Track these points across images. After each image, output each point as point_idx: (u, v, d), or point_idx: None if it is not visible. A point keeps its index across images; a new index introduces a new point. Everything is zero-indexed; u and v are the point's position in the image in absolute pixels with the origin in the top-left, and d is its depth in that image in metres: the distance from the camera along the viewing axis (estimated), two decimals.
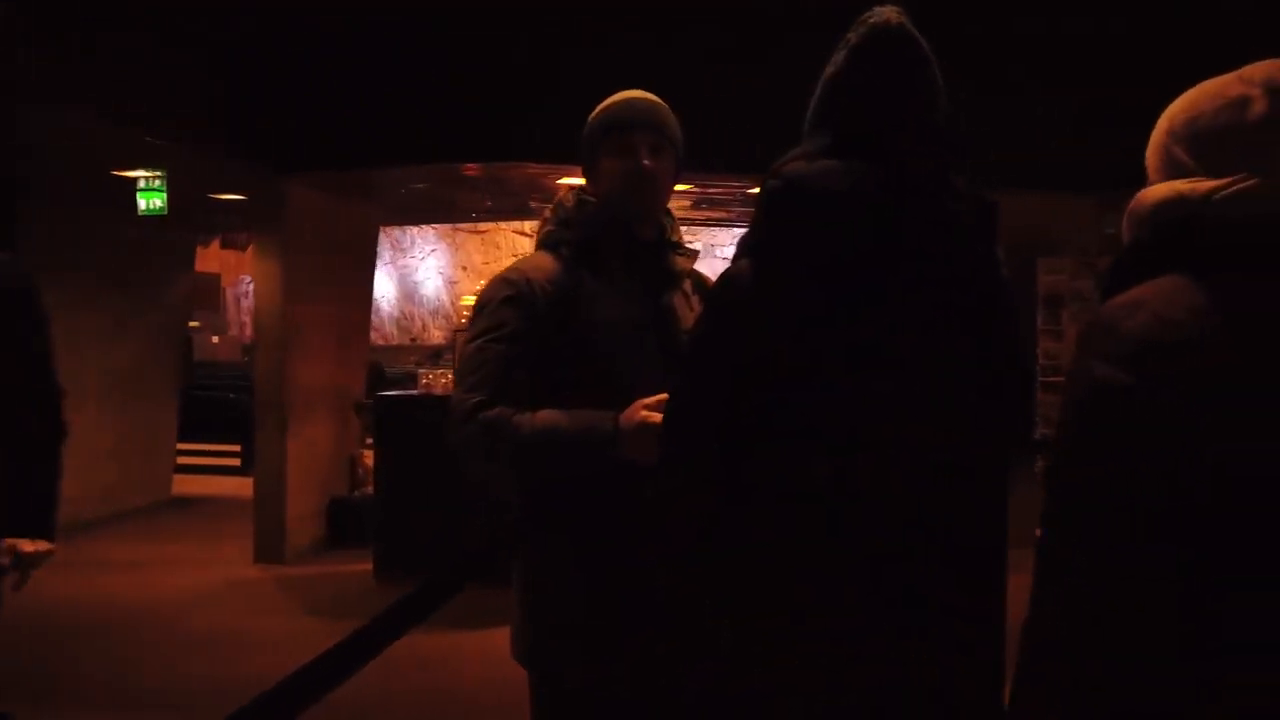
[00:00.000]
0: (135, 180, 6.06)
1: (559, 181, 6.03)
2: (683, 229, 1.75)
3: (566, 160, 5.30)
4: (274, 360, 5.65)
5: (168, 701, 3.75)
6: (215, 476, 8.76)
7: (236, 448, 9.25)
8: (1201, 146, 0.94)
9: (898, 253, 1.20)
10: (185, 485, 7.96)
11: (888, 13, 1.24)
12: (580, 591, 1.55)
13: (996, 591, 1.25)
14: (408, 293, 18.54)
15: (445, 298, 18.77)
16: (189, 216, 6.94)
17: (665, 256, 1.65)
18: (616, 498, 1.50)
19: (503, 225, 17.68)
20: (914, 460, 1.20)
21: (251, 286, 18.67)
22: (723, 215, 8.56)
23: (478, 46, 5.01)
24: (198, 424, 8.71)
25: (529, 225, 17.59)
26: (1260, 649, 0.81)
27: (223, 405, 9.23)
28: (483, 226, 17.71)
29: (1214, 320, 0.85)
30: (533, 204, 7.36)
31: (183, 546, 6.24)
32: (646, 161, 1.60)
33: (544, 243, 1.68)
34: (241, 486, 8.41)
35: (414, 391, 5.44)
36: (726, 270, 1.28)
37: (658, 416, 1.40)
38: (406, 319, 18.64)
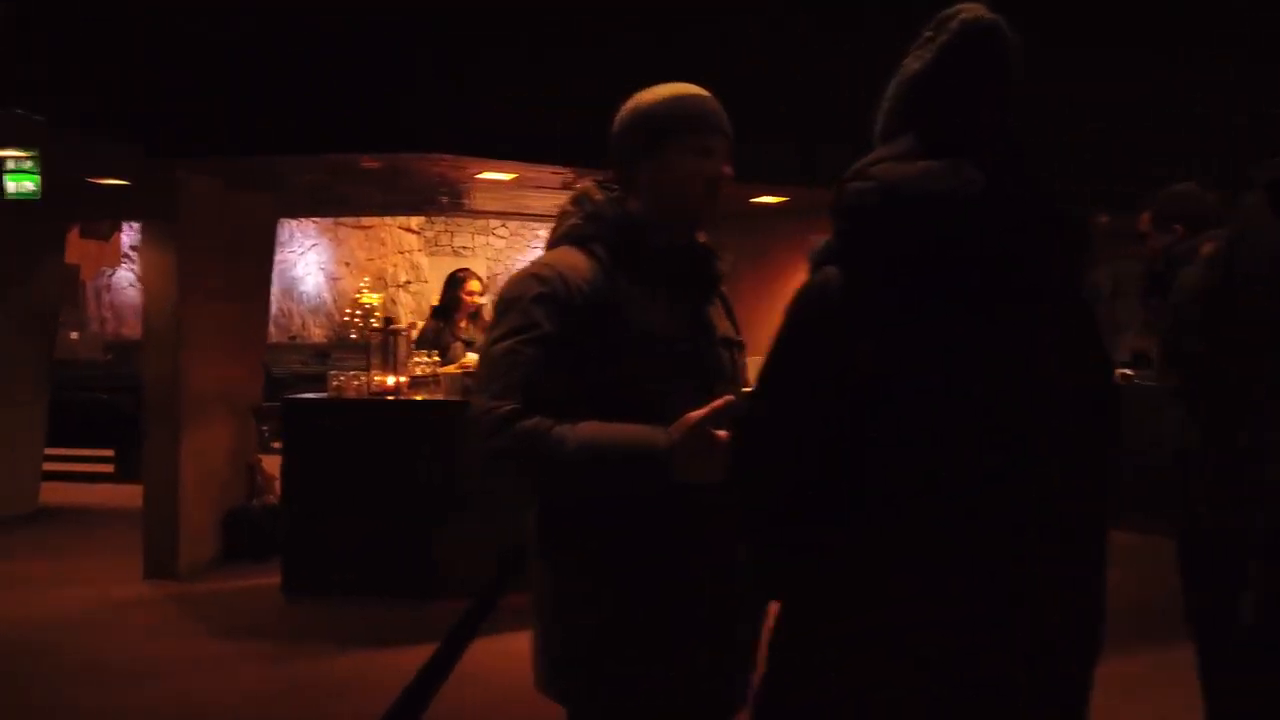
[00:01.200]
0: (3, 161, 5.52)
1: (479, 176, 5.84)
2: None
3: (479, 154, 5.16)
4: (166, 361, 5.24)
5: None
6: (86, 484, 8.11)
7: (109, 453, 8.60)
8: None
9: (1001, 256, 1.16)
10: (54, 494, 7.32)
11: (977, 9, 1.20)
12: (633, 612, 1.43)
13: (1097, 581, 1.24)
14: (286, 289, 17.77)
15: (327, 295, 18.07)
16: (62, 202, 6.37)
17: (707, 262, 1.55)
18: (661, 510, 1.40)
19: (388, 220, 17.16)
20: (1019, 465, 1.15)
21: (113, 279, 17.52)
22: None
23: (389, 34, 4.78)
24: (65, 428, 8.04)
25: (415, 221, 17.15)
26: None
27: (93, 407, 8.55)
28: (366, 221, 17.14)
29: None
30: (444, 199, 7.12)
31: (59, 563, 5.71)
32: (728, 169, 1.50)
33: (570, 238, 1.52)
34: (117, 495, 7.83)
35: (324, 394, 5.14)
36: (810, 279, 1.20)
37: (722, 433, 1.31)
38: (285, 316, 17.85)
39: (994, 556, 1.15)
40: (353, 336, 15.60)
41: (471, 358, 5.20)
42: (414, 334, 5.45)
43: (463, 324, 5.46)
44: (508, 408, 1.37)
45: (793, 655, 1.25)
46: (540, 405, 1.38)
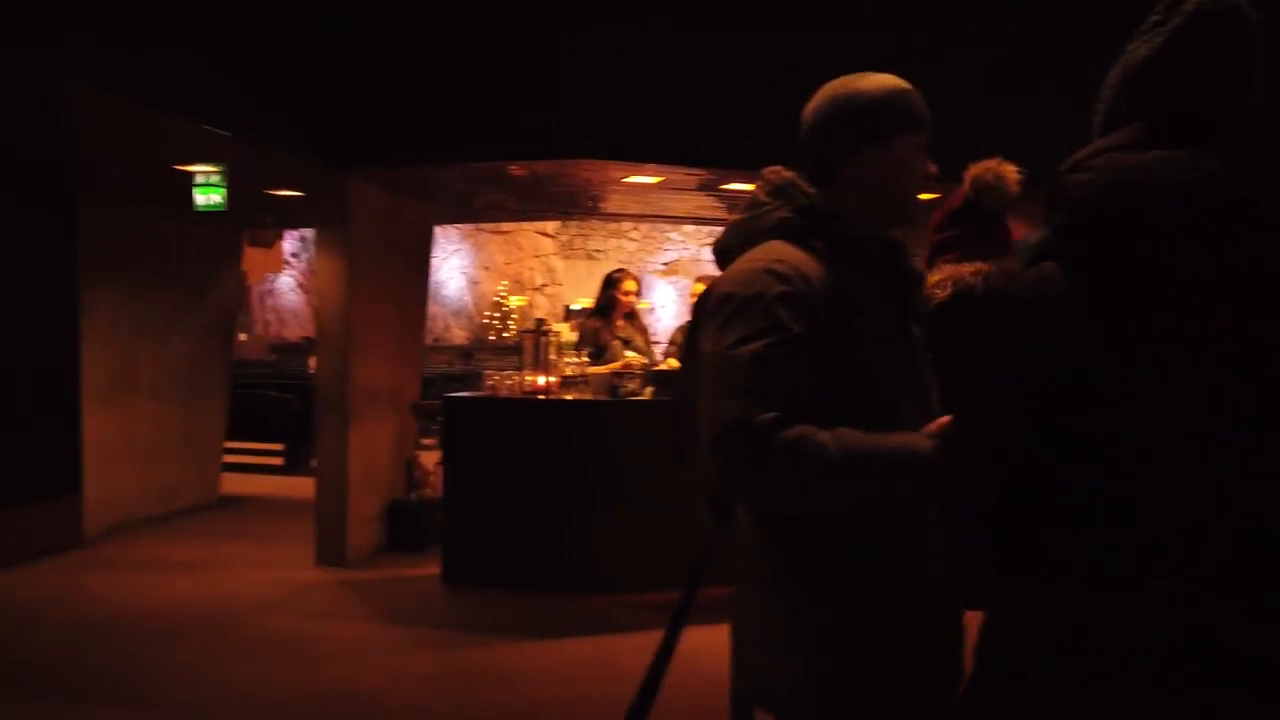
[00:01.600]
0: (193, 176, 5.99)
1: (626, 180, 5.94)
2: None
3: (626, 159, 5.25)
4: (337, 361, 5.56)
5: (238, 706, 3.66)
6: (258, 475, 8.70)
7: (279, 447, 9.20)
8: None
9: (1242, 254, 1.10)
10: (231, 484, 7.89)
11: None
12: (874, 643, 1.38)
13: None
14: (430, 292, 18.49)
15: (468, 298, 18.70)
16: (240, 213, 6.87)
17: (903, 258, 1.50)
18: (893, 530, 1.37)
19: (525, 225, 17.63)
20: (1252, 479, 1.09)
21: (275, 284, 18.69)
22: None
23: (541, 45, 4.93)
24: (237, 424, 8.65)
25: (550, 226, 17.54)
26: None
27: (262, 404, 9.15)
28: (505, 227, 17.65)
29: None
30: (588, 204, 7.27)
31: (240, 547, 6.15)
32: (934, 169, 1.48)
33: (782, 231, 1.43)
34: (286, 486, 8.38)
35: (480, 393, 5.34)
36: (1023, 275, 1.18)
37: None
38: (429, 319, 18.61)
39: (1219, 572, 1.09)
40: (491, 338, 16.07)
41: (630, 355, 5.29)
42: (557, 337, 5.59)
43: (619, 323, 5.56)
44: (768, 417, 1.27)
45: (1001, 664, 1.23)
46: (797, 413, 1.29)
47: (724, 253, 1.52)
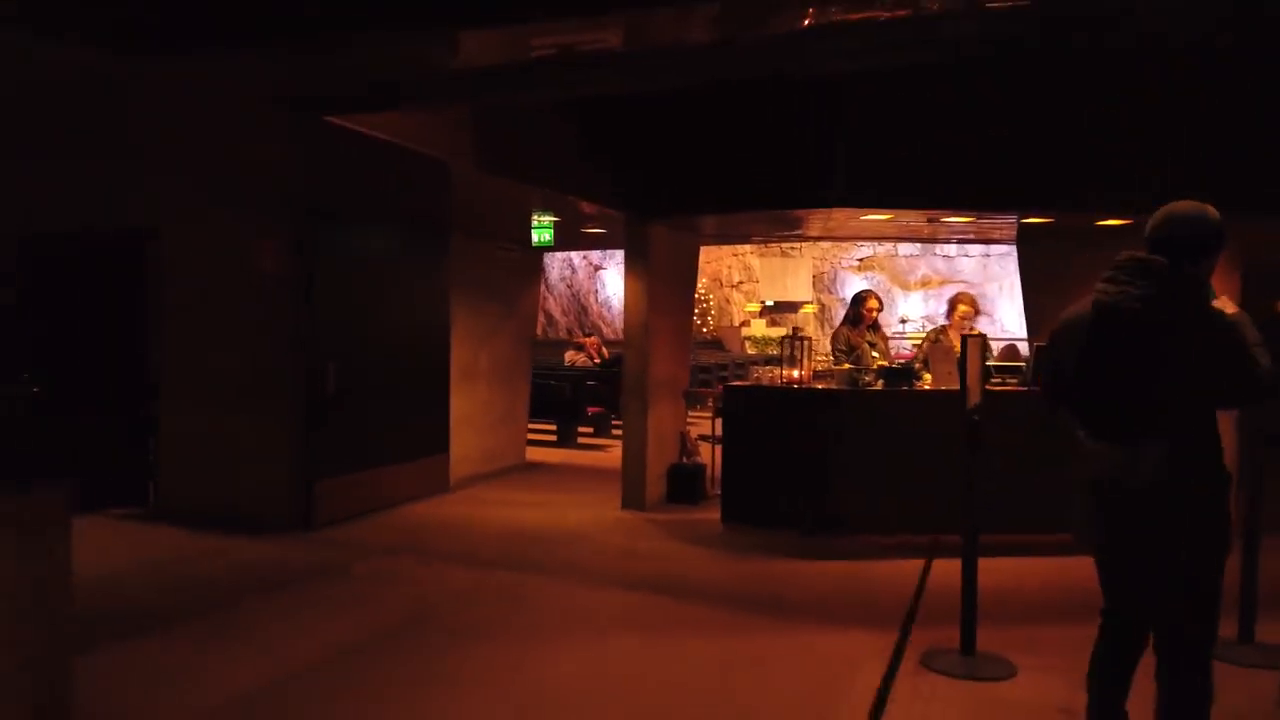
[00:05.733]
0: (532, 220, 8.14)
1: (864, 218, 7.58)
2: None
3: (873, 205, 6.86)
4: (639, 359, 7.52)
5: (597, 574, 5.58)
6: (541, 448, 10.93)
7: (553, 426, 11.44)
8: None
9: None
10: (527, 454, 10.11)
11: None
12: None
13: None
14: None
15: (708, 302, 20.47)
16: (558, 245, 9.02)
17: None
18: None
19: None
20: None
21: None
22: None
23: (794, 118, 6.60)
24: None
25: (784, 246, 19.10)
26: None
27: (544, 391, 11.38)
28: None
29: None
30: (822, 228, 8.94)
31: (555, 495, 8.26)
32: None
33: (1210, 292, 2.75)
34: (563, 456, 10.54)
35: (748, 383, 7.13)
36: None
37: None
38: None
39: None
40: (704, 332, 17.75)
41: (875, 356, 6.95)
42: (811, 342, 7.29)
43: (865, 331, 7.23)
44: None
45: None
46: None
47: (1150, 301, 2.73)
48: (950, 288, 15.64)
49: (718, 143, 6.90)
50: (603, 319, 20.17)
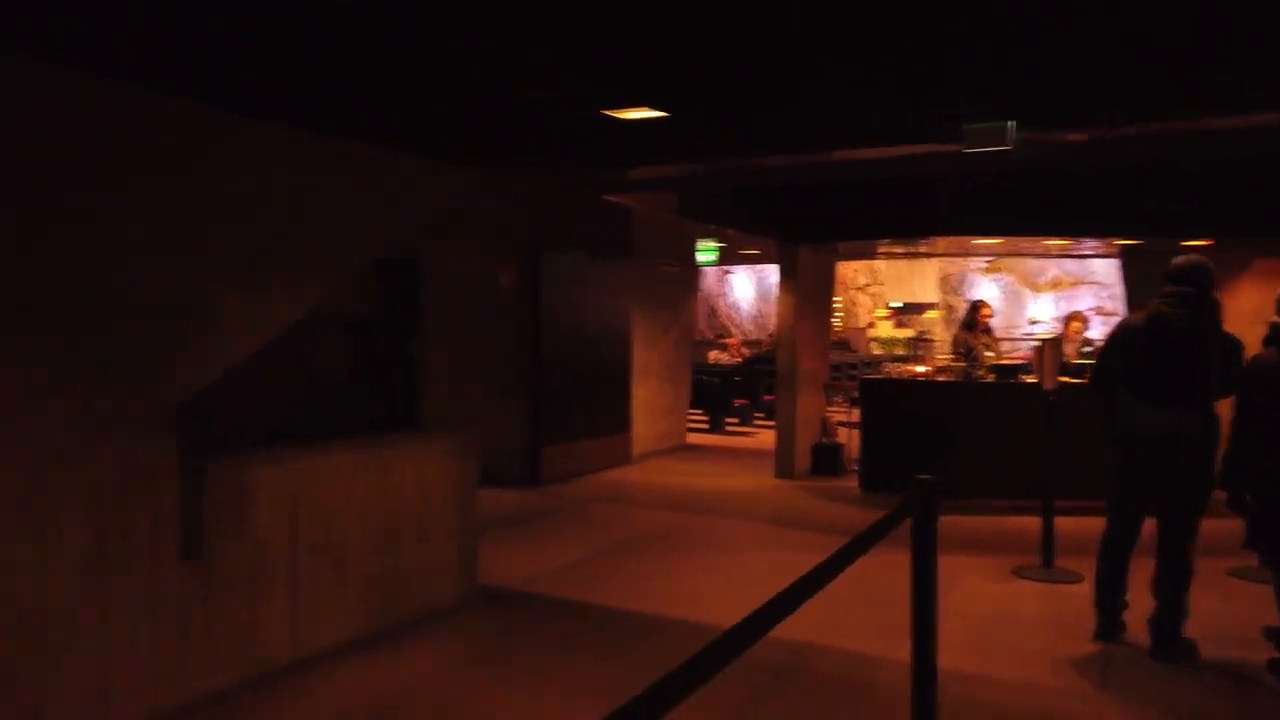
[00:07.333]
0: (693, 243, 10.02)
1: (975, 241, 9.15)
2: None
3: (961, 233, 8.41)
4: (790, 356, 9.31)
5: (767, 517, 7.36)
6: (695, 434, 12.81)
7: (704, 415, 13.32)
8: None
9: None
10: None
11: None
12: None
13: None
14: (763, 294, 22.02)
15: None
16: (723, 263, 10.86)
17: None
18: None
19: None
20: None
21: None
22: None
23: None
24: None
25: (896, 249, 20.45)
26: None
27: (697, 385, 13.27)
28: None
29: None
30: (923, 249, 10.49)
31: (716, 467, 10.12)
32: None
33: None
34: (715, 440, 12.40)
35: (880, 376, 8.82)
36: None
37: None
38: (762, 317, 22.29)
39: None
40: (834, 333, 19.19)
41: (989, 355, 8.54)
42: (935, 343, 8.90)
43: (980, 335, 8.80)
44: None
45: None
46: None
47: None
48: (1084, 289, 15.94)
49: (852, 182, 8.60)
50: (730, 319, 21.87)
